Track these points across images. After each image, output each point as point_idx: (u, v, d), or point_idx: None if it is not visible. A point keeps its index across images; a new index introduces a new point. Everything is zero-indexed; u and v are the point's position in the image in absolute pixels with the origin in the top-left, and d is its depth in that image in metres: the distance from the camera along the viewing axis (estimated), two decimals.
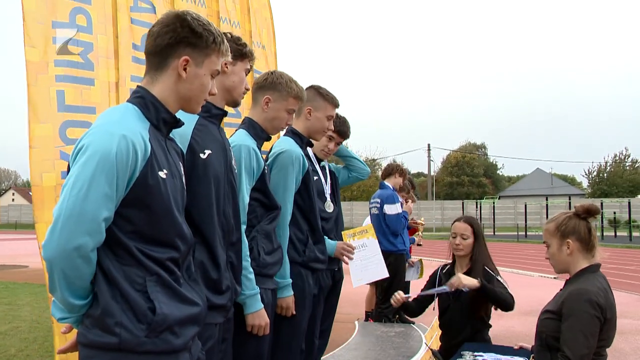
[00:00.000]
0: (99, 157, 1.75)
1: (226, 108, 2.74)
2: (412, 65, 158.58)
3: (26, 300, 10.32)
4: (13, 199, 79.31)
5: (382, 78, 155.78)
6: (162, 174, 1.90)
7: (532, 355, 3.04)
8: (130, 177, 1.81)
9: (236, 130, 3.18)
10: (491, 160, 73.68)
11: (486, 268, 3.73)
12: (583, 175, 69.85)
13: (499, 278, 3.71)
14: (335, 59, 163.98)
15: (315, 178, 3.61)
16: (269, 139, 3.24)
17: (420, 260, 6.39)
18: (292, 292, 3.18)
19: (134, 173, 1.82)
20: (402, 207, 6.97)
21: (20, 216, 58.49)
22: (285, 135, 3.53)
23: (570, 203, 35.64)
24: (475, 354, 3.21)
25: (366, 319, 7.47)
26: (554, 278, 14.61)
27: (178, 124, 2.09)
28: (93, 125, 1.86)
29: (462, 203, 41.62)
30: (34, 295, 10.50)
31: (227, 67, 2.62)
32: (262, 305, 2.74)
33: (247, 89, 2.79)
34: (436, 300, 3.87)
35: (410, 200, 7.67)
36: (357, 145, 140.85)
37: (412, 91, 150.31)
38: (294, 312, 3.19)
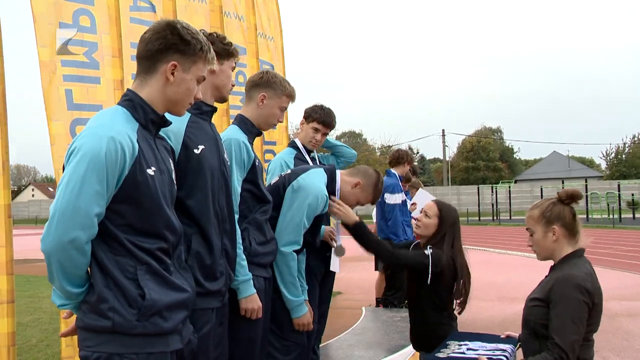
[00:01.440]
0: (90, 157, 1.91)
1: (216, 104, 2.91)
2: (426, 50, 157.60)
3: (47, 293, 10.57)
4: (33, 195, 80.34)
5: (395, 64, 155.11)
6: (150, 171, 2.06)
7: (518, 344, 3.01)
8: (120, 175, 1.97)
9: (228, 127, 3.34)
10: (507, 144, 73.15)
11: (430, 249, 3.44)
12: (601, 157, 69.22)
13: (428, 252, 3.40)
14: (346, 45, 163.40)
15: None
16: (260, 134, 3.41)
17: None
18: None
19: (123, 171, 1.97)
20: (403, 197, 6.77)
21: (40, 211, 59.22)
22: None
23: (586, 186, 35.30)
24: (461, 343, 3.12)
25: (377, 305, 7.55)
26: None
27: (166, 123, 2.24)
28: (85, 128, 2.02)
29: (478, 188, 41.34)
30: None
31: (216, 67, 2.74)
32: (255, 290, 2.88)
33: (233, 85, 2.93)
34: None
35: (414, 189, 7.68)
36: (371, 132, 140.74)
37: (427, 76, 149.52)
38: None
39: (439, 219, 3.51)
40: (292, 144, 4.29)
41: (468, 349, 3.03)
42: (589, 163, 72.72)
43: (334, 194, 3.45)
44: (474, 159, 63.66)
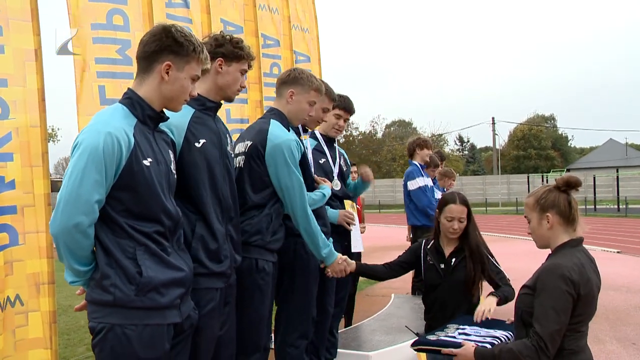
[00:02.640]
0: (89, 151, 2.16)
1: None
2: (475, 37, 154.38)
3: None
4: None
5: (443, 51, 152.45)
6: (147, 162, 2.30)
7: None
8: (117, 165, 2.21)
9: (265, 117, 3.50)
10: (560, 132, 71.07)
11: (484, 252, 3.65)
12: None
13: (494, 262, 3.67)
14: (393, 34, 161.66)
15: (322, 160, 3.87)
16: (291, 128, 3.58)
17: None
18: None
19: (120, 162, 2.21)
20: (425, 181, 6.69)
21: None
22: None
23: None
24: (459, 326, 3.19)
25: (412, 293, 7.61)
26: (617, 252, 14.22)
27: (163, 118, 2.47)
28: (86, 125, 2.27)
29: (528, 177, 40.51)
30: None
31: (221, 68, 2.94)
32: (336, 255, 3.45)
33: (243, 87, 3.08)
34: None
35: (446, 177, 7.67)
36: (420, 121, 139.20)
37: (477, 63, 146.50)
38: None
39: (467, 216, 3.66)
40: (312, 135, 4.41)
41: (460, 334, 3.07)
42: None
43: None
44: (525, 148, 62.14)
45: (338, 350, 4.28)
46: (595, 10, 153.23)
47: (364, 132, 59.02)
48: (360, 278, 6.17)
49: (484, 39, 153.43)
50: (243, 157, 3.28)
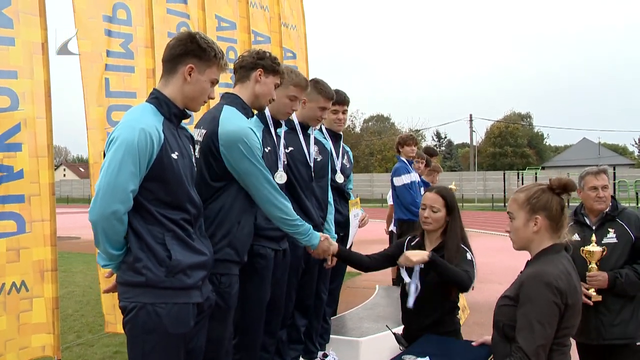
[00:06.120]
0: (126, 145, 2.37)
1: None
2: (455, 35, 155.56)
3: (79, 268, 11.16)
4: (64, 175, 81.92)
5: (422, 48, 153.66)
6: (174, 155, 2.51)
7: (492, 356, 2.65)
8: (150, 158, 2.42)
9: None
10: (536, 130, 72.20)
11: (462, 246, 3.38)
12: (633, 145, 67.87)
13: (470, 256, 3.36)
14: (374, 30, 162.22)
15: (319, 158, 3.96)
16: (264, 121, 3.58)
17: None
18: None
19: (152, 155, 2.42)
20: (412, 177, 6.80)
21: (71, 191, 60.53)
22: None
23: (615, 173, 34.84)
24: (418, 359, 2.84)
25: (394, 284, 7.83)
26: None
27: (186, 116, 2.69)
28: (120, 122, 2.48)
29: (504, 174, 41.11)
30: (86, 264, 11.33)
31: (260, 78, 3.15)
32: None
33: (273, 99, 3.26)
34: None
35: (435, 172, 7.89)
36: (398, 116, 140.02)
37: (455, 61, 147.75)
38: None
39: (446, 209, 3.43)
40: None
41: None
42: (622, 150, 71.35)
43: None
44: (502, 145, 63.05)
45: (331, 336, 4.47)
46: (572, 11, 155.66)
47: None
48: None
49: (463, 37, 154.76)
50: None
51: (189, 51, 2.58)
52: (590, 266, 3.58)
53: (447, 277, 3.21)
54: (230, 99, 3.13)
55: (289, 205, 3.14)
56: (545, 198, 2.50)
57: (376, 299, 6.05)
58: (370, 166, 55.37)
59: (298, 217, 3.19)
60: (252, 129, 2.99)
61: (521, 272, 2.54)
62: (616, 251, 3.61)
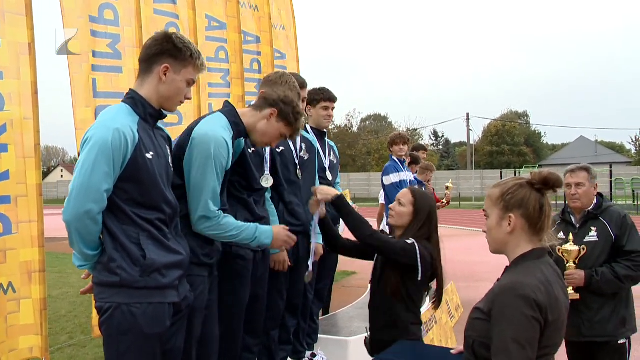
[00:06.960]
0: (99, 145, 2.37)
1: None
2: (452, 34, 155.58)
3: (74, 269, 11.03)
4: (62, 176, 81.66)
5: (420, 47, 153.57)
6: (149, 155, 2.51)
7: None
8: (124, 158, 2.42)
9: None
10: (533, 129, 72.23)
11: (412, 240, 3.16)
12: (630, 143, 67.96)
13: (412, 242, 3.14)
14: (371, 28, 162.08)
15: (307, 157, 3.99)
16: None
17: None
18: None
19: (126, 155, 2.42)
20: (400, 177, 6.76)
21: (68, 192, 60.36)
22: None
23: (611, 172, 34.92)
24: None
25: None
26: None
27: (162, 116, 2.69)
28: (95, 121, 2.49)
29: (501, 172, 41.17)
30: None
31: (270, 118, 3.12)
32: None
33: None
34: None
35: (428, 171, 7.90)
36: (395, 115, 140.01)
37: (453, 61, 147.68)
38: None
39: (413, 207, 3.27)
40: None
41: None
42: (619, 148, 71.45)
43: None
44: (499, 143, 63.09)
45: (319, 335, 4.47)
46: (569, 11, 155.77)
47: (340, 125, 59.36)
48: (336, 270, 6.30)
49: (461, 37, 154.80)
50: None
51: (165, 51, 2.58)
52: (567, 265, 3.61)
53: (352, 223, 3.15)
54: (226, 110, 3.10)
55: (229, 220, 2.94)
56: (522, 194, 2.16)
57: (367, 298, 6.03)
58: (367, 165, 55.41)
59: (234, 226, 2.94)
60: (226, 142, 2.88)
61: (498, 280, 2.22)
62: (597, 250, 3.64)
